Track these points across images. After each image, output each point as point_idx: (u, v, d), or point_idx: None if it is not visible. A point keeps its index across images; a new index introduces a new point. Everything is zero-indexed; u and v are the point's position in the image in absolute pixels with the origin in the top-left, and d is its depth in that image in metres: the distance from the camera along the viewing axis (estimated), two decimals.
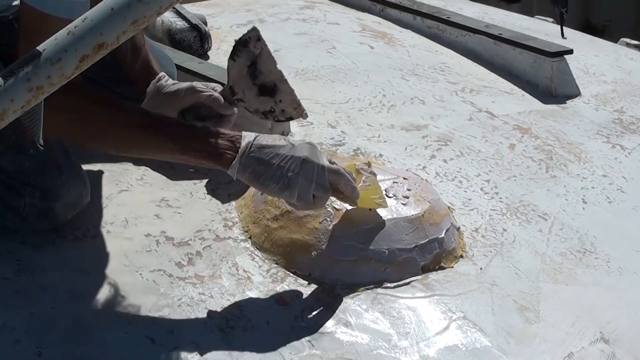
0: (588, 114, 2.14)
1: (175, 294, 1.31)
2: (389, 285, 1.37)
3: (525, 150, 1.89)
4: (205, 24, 2.35)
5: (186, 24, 2.27)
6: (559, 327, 1.33)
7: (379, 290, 1.36)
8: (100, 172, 1.62)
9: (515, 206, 1.66)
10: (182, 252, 1.41)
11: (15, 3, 1.47)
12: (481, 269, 1.45)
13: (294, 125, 1.86)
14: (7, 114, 0.93)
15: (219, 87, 1.64)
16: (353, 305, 1.32)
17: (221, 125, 1.63)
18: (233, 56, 1.60)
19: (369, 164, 1.45)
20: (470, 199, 1.66)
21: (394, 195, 1.48)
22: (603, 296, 1.43)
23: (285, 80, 1.61)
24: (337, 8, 2.82)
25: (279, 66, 1.61)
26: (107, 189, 1.58)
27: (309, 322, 1.28)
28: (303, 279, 1.37)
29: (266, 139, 1.32)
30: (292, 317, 1.29)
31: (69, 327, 1.23)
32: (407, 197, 1.48)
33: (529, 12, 3.89)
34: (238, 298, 1.32)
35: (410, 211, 1.45)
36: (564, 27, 2.56)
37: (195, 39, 2.26)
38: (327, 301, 1.33)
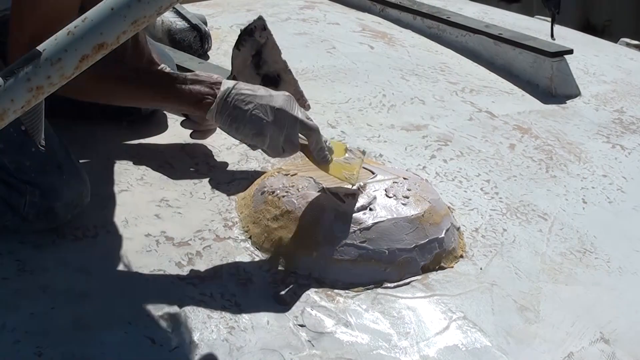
0: (588, 114, 2.14)
1: (175, 294, 1.31)
2: (389, 285, 1.37)
3: (525, 150, 1.89)
4: (205, 24, 2.35)
5: (186, 24, 2.27)
6: (559, 327, 1.33)
7: (379, 290, 1.36)
8: (100, 172, 1.62)
9: (515, 206, 1.66)
10: (182, 252, 1.41)
11: None
12: (481, 269, 1.45)
13: None
14: (7, 114, 0.93)
15: (222, 78, 1.64)
16: (353, 305, 1.32)
17: None
18: (238, 45, 1.60)
19: (363, 152, 1.49)
20: (470, 199, 1.66)
21: (394, 195, 1.48)
22: (603, 296, 1.43)
23: (290, 70, 1.60)
24: (337, 8, 2.82)
25: (283, 56, 1.60)
26: (107, 189, 1.58)
27: (309, 322, 1.28)
28: (303, 279, 1.37)
29: (245, 86, 1.39)
30: (292, 317, 1.29)
31: (69, 327, 1.23)
32: (407, 197, 1.48)
33: (529, 12, 3.89)
34: (238, 298, 1.32)
35: (410, 211, 1.45)
36: (554, 28, 2.55)
37: (195, 39, 2.26)
38: (327, 301, 1.33)
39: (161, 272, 1.36)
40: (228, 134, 1.45)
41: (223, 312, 1.28)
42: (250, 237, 1.46)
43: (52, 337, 1.20)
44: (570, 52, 2.26)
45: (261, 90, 1.40)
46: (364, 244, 1.39)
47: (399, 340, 1.26)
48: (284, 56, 1.63)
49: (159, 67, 1.67)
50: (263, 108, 1.38)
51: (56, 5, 1.34)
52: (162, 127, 1.82)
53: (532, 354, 1.27)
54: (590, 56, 2.54)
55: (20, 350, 1.18)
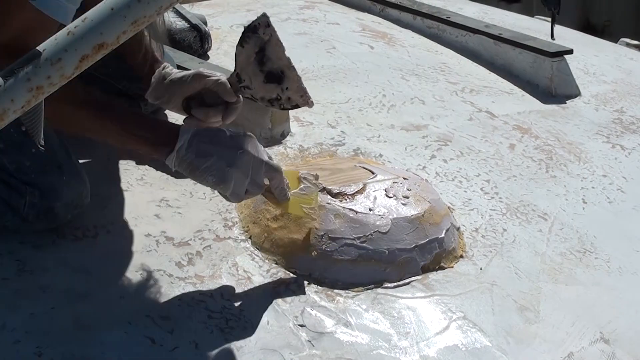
0: (588, 114, 2.14)
1: (175, 294, 1.31)
2: (389, 285, 1.37)
3: (525, 150, 1.89)
4: (205, 24, 2.35)
5: (186, 24, 2.27)
6: (559, 327, 1.33)
7: (379, 290, 1.36)
8: (100, 172, 1.62)
9: (515, 206, 1.66)
10: (182, 252, 1.41)
11: None
12: (481, 269, 1.45)
13: (294, 125, 1.86)
14: (7, 114, 0.93)
15: (225, 75, 1.64)
16: (353, 305, 1.32)
17: (227, 114, 1.62)
18: (242, 42, 1.60)
19: (316, 177, 1.44)
20: (470, 199, 1.66)
21: (394, 195, 1.48)
22: (603, 296, 1.43)
23: (293, 67, 1.60)
24: (337, 8, 2.82)
25: (287, 53, 1.60)
26: (107, 189, 1.58)
27: (309, 322, 1.28)
28: (303, 279, 1.37)
29: (206, 132, 1.32)
30: (292, 317, 1.29)
31: (69, 327, 1.23)
32: (407, 197, 1.48)
33: (529, 12, 3.89)
34: (238, 298, 1.32)
35: (410, 211, 1.45)
36: (554, 28, 2.55)
37: (195, 39, 2.26)
38: (327, 301, 1.33)
39: (161, 272, 1.36)
40: (189, 178, 1.36)
41: (223, 312, 1.28)
42: (250, 237, 1.46)
43: (52, 337, 1.20)
44: (570, 52, 2.26)
45: (221, 134, 1.32)
46: (364, 244, 1.39)
47: (399, 340, 1.26)
48: (287, 53, 1.63)
49: (162, 65, 1.67)
50: (225, 154, 1.29)
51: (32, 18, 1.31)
52: None
53: (532, 354, 1.27)
54: (590, 56, 2.55)
55: (20, 350, 1.18)
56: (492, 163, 1.81)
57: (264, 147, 1.76)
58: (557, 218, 1.64)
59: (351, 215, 1.41)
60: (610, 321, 1.37)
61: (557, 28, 2.72)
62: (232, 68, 1.63)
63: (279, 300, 1.32)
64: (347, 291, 1.35)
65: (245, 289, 1.34)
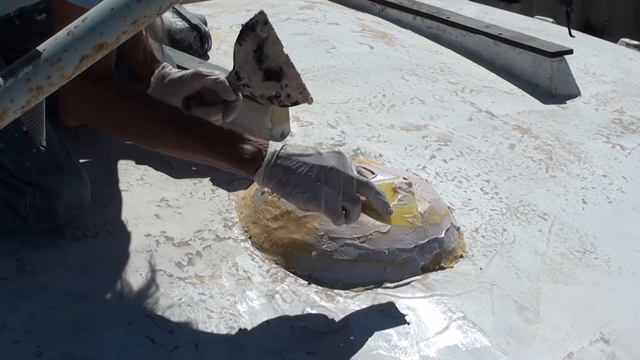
0: (588, 114, 2.14)
1: (175, 294, 1.31)
2: (389, 285, 1.37)
3: (525, 150, 1.89)
4: (205, 24, 2.35)
5: (186, 24, 2.27)
6: (559, 327, 1.33)
7: (379, 290, 1.36)
8: (101, 172, 1.62)
9: (515, 206, 1.66)
10: (182, 252, 1.41)
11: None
12: (481, 269, 1.45)
13: (294, 125, 1.86)
14: (7, 114, 0.93)
15: (224, 74, 1.64)
16: (353, 305, 1.32)
17: (226, 113, 1.63)
18: (240, 40, 1.60)
19: (409, 184, 1.44)
20: (470, 199, 1.66)
21: None
22: (603, 296, 1.43)
23: (292, 64, 1.60)
24: (337, 8, 2.82)
25: (285, 51, 1.60)
26: (107, 189, 1.58)
27: (309, 322, 1.28)
28: (303, 279, 1.37)
29: (293, 148, 1.29)
30: (292, 317, 1.29)
31: (69, 327, 1.23)
32: None
33: (529, 12, 3.89)
34: (238, 298, 1.32)
35: None
36: (569, 26, 2.55)
37: (195, 39, 2.26)
38: (327, 301, 1.33)
39: (161, 272, 1.36)
40: (279, 196, 1.32)
41: (223, 312, 1.28)
42: (250, 237, 1.46)
43: (52, 337, 1.20)
44: (570, 52, 2.26)
45: (310, 150, 1.29)
46: (364, 244, 1.39)
47: (399, 340, 1.26)
48: (285, 50, 1.63)
49: (162, 65, 1.67)
50: (314, 169, 1.26)
51: None
52: None
53: (532, 354, 1.27)
54: (590, 56, 2.54)
55: (20, 350, 1.18)
56: (492, 163, 1.81)
57: None
58: (557, 218, 1.64)
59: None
60: (610, 321, 1.37)
61: (557, 28, 2.73)
62: (232, 68, 1.63)
63: (279, 300, 1.32)
64: (347, 291, 1.35)
65: (245, 289, 1.34)
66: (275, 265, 1.40)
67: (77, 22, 0.94)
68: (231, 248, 1.43)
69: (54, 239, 1.42)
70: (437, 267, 1.43)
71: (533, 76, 2.28)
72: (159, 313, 1.27)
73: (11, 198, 1.37)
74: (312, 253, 1.39)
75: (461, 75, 2.30)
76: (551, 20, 2.98)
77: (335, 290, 1.35)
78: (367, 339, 1.26)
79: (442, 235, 1.45)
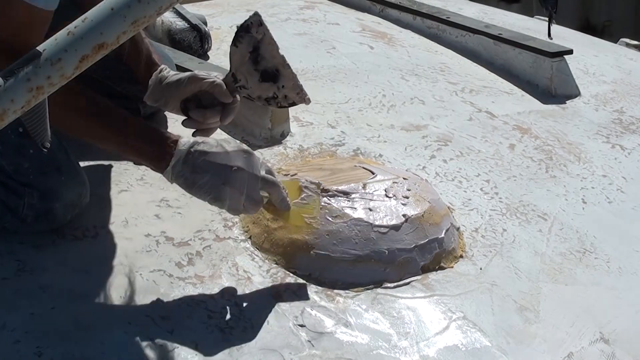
0: (588, 114, 2.14)
1: (175, 294, 1.31)
2: (388, 285, 1.37)
3: (525, 150, 1.89)
4: (205, 24, 2.35)
5: (186, 24, 2.27)
6: (559, 327, 1.33)
7: (379, 290, 1.36)
8: (100, 172, 1.62)
9: (515, 206, 1.66)
10: (182, 252, 1.41)
11: None
12: (481, 269, 1.45)
13: (294, 126, 1.86)
14: (7, 114, 0.93)
15: (221, 76, 1.64)
16: (353, 305, 1.32)
17: (224, 115, 1.63)
18: (235, 42, 1.60)
19: (318, 185, 1.45)
20: (470, 199, 1.66)
21: (394, 196, 1.48)
22: (603, 296, 1.43)
23: (288, 65, 1.60)
24: (337, 8, 2.82)
25: (281, 51, 1.60)
26: (107, 189, 1.58)
27: (309, 322, 1.28)
28: (303, 279, 1.37)
29: (202, 146, 1.32)
30: (292, 317, 1.29)
31: (69, 327, 1.23)
32: (407, 197, 1.48)
33: (529, 12, 3.89)
34: (238, 298, 1.32)
35: (410, 211, 1.45)
36: (551, 28, 2.55)
37: (195, 39, 2.26)
38: (327, 301, 1.33)
39: (161, 272, 1.36)
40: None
41: (223, 312, 1.28)
42: (250, 237, 1.46)
43: (52, 337, 1.20)
44: (570, 52, 2.26)
45: (218, 149, 1.31)
46: (363, 244, 1.39)
47: (398, 340, 1.26)
48: (281, 51, 1.63)
49: (159, 68, 1.67)
50: (220, 171, 1.30)
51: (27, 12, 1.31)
52: (163, 127, 1.82)
53: (532, 354, 1.27)
54: (590, 56, 2.54)
55: (20, 350, 1.18)
56: (492, 163, 1.81)
57: (264, 147, 1.77)
58: (557, 218, 1.64)
59: (351, 215, 1.41)
60: (610, 321, 1.37)
61: (557, 28, 2.72)
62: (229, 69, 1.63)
63: (279, 300, 1.32)
64: (347, 291, 1.35)
65: (245, 289, 1.34)
66: (275, 265, 1.40)
67: (77, 22, 0.94)
68: (231, 248, 1.43)
69: (54, 239, 1.42)
70: (437, 267, 1.43)
71: (533, 76, 2.28)
72: (159, 313, 1.27)
73: (9, 199, 1.37)
74: (312, 253, 1.39)
75: (461, 75, 2.30)
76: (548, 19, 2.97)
77: (335, 290, 1.35)
78: (367, 339, 1.26)
79: (442, 235, 1.45)
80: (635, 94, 2.30)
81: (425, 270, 1.41)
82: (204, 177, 1.30)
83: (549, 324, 1.34)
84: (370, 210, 1.43)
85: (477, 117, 2.04)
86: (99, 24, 0.94)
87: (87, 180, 1.45)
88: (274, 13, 2.67)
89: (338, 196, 1.45)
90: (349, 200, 1.44)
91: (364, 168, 1.58)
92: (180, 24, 2.27)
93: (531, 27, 2.73)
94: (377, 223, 1.41)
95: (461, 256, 1.47)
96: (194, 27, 2.27)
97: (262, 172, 1.33)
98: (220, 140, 1.35)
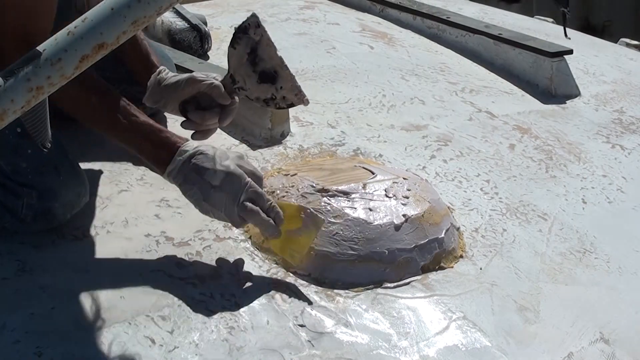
0: (588, 114, 2.14)
1: (175, 294, 1.31)
2: (388, 285, 1.37)
3: (525, 151, 1.89)
4: (205, 24, 2.35)
5: (186, 24, 2.27)
6: (559, 327, 1.33)
7: (379, 290, 1.36)
8: (100, 172, 1.62)
9: (515, 206, 1.66)
10: (182, 252, 1.41)
11: None
12: (481, 269, 1.45)
13: (294, 125, 1.86)
14: (7, 114, 0.93)
15: (220, 77, 1.64)
16: (353, 305, 1.32)
17: (223, 117, 1.63)
18: (233, 44, 1.60)
19: (322, 221, 1.39)
20: (470, 199, 1.66)
21: (394, 196, 1.48)
22: (603, 296, 1.43)
23: (286, 66, 1.60)
24: (337, 8, 2.82)
25: (279, 52, 1.60)
26: (107, 189, 1.58)
27: (309, 322, 1.28)
28: (303, 279, 1.37)
29: (200, 159, 1.36)
30: (292, 317, 1.29)
31: (69, 327, 1.23)
32: (407, 197, 1.48)
33: (529, 12, 3.89)
34: (238, 298, 1.32)
35: (410, 211, 1.45)
36: (565, 27, 2.56)
37: (195, 39, 2.26)
38: (327, 301, 1.33)
39: (161, 272, 1.36)
40: None
41: (223, 312, 1.28)
42: (250, 237, 1.46)
43: (52, 337, 1.20)
44: (570, 52, 2.26)
45: (209, 164, 1.35)
46: (363, 244, 1.39)
47: (399, 340, 1.26)
48: (280, 54, 1.63)
49: (158, 69, 1.67)
50: (203, 189, 1.35)
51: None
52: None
53: (532, 354, 1.27)
54: (590, 56, 2.55)
55: (20, 350, 1.18)
56: (492, 163, 1.81)
57: (264, 147, 1.77)
58: (557, 218, 1.64)
59: (351, 215, 1.41)
60: (610, 321, 1.37)
61: (557, 28, 2.73)
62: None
63: (279, 300, 1.32)
64: (347, 291, 1.35)
65: (245, 289, 1.34)
66: (275, 265, 1.40)
67: (77, 22, 0.94)
68: (231, 248, 1.43)
69: (54, 239, 1.42)
70: (437, 267, 1.43)
71: (533, 76, 2.28)
72: (159, 313, 1.27)
73: (8, 200, 1.37)
74: (312, 253, 1.39)
75: (461, 75, 2.30)
76: (551, 20, 2.98)
77: (335, 290, 1.35)
78: (367, 339, 1.26)
79: (442, 235, 1.45)
80: (635, 94, 2.30)
81: (425, 270, 1.41)
82: (192, 189, 1.35)
83: (549, 324, 1.34)
84: (370, 210, 1.43)
85: (477, 117, 2.04)
86: (99, 24, 0.94)
87: (87, 180, 1.45)
88: (273, 13, 2.67)
89: (338, 196, 1.45)
90: (349, 200, 1.44)
91: (364, 168, 1.58)
92: (180, 24, 2.27)
93: (531, 27, 2.74)
94: (377, 223, 1.41)
95: (461, 256, 1.47)
96: (194, 27, 2.27)
97: (242, 198, 1.34)
98: (219, 154, 1.37)
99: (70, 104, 1.36)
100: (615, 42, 2.82)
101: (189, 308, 1.28)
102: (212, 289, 1.33)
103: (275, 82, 1.59)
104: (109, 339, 1.21)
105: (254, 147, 1.78)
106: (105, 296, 1.29)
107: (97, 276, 1.34)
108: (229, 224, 1.48)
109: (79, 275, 1.34)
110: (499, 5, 4.14)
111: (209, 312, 1.28)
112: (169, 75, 1.66)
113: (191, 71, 1.87)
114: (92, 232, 1.45)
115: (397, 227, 1.42)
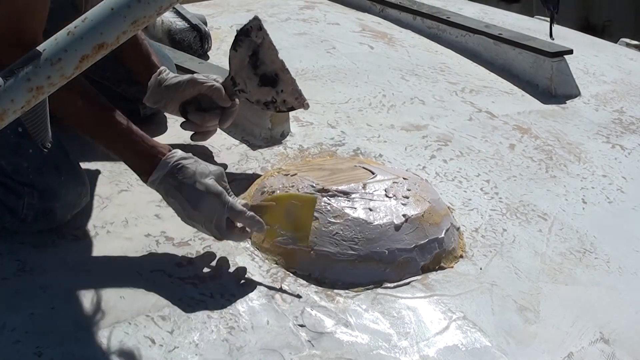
0: (588, 114, 2.14)
1: (175, 294, 1.31)
2: (388, 285, 1.37)
3: (525, 150, 1.89)
4: (205, 24, 2.35)
5: (186, 24, 2.27)
6: (559, 327, 1.33)
7: (379, 290, 1.36)
8: (100, 172, 1.62)
9: (515, 206, 1.66)
10: (182, 252, 1.41)
11: None
12: (481, 269, 1.45)
13: (294, 126, 1.86)
14: (7, 114, 0.93)
15: (220, 79, 1.64)
16: (353, 305, 1.32)
17: (223, 118, 1.63)
18: (235, 46, 1.60)
19: (308, 199, 1.41)
20: (470, 199, 1.66)
21: (394, 196, 1.48)
22: (603, 296, 1.43)
23: (287, 69, 1.60)
24: (337, 8, 2.82)
25: (280, 54, 1.60)
26: (107, 189, 1.58)
27: (309, 322, 1.28)
28: (303, 279, 1.37)
29: (182, 172, 1.35)
30: (292, 317, 1.29)
31: (69, 327, 1.23)
32: (407, 197, 1.48)
33: (529, 12, 3.89)
34: (238, 298, 1.32)
35: (410, 211, 1.45)
36: (552, 28, 2.56)
37: (195, 39, 2.26)
38: (327, 301, 1.33)
39: (161, 272, 1.36)
40: None
41: (223, 312, 1.28)
42: (250, 237, 1.46)
43: (52, 337, 1.20)
44: (570, 52, 2.26)
45: (191, 179, 1.35)
46: (363, 244, 1.39)
47: (399, 340, 1.26)
48: (281, 55, 1.63)
49: (158, 70, 1.67)
50: (184, 206, 1.35)
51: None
52: (162, 128, 1.82)
53: (532, 354, 1.27)
54: (590, 56, 2.54)
55: (20, 350, 1.18)
56: (492, 163, 1.81)
57: (264, 147, 1.77)
58: (557, 218, 1.64)
59: (351, 215, 1.41)
60: (610, 321, 1.37)
61: (557, 28, 2.72)
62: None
63: (279, 300, 1.32)
64: (347, 291, 1.35)
65: (245, 289, 1.34)
66: (275, 265, 1.40)
67: (77, 22, 0.94)
68: (231, 248, 1.43)
69: (54, 239, 1.42)
70: (437, 267, 1.43)
71: (533, 76, 2.27)
72: (159, 313, 1.27)
73: (8, 200, 1.37)
74: (312, 253, 1.39)
75: (461, 75, 2.30)
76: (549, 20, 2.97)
77: (335, 290, 1.35)
78: (367, 339, 1.26)
79: (442, 235, 1.45)
80: (635, 94, 2.30)
81: (425, 270, 1.41)
82: (173, 202, 1.36)
83: (549, 324, 1.34)
84: (370, 210, 1.43)
85: (477, 117, 2.04)
86: (99, 24, 0.94)
87: (87, 180, 1.45)
88: (274, 13, 2.67)
89: (338, 196, 1.45)
90: (349, 200, 1.44)
91: (364, 168, 1.58)
92: (180, 24, 2.27)
93: (531, 27, 2.73)
94: (377, 223, 1.41)
95: (461, 256, 1.47)
96: (194, 27, 2.27)
97: (220, 216, 1.34)
98: (200, 171, 1.36)
99: (56, 105, 1.34)
100: (615, 42, 2.82)
101: (189, 308, 1.28)
102: (212, 289, 1.33)
103: (276, 86, 1.59)
104: (109, 339, 1.21)
105: (254, 147, 1.78)
106: (105, 296, 1.29)
107: (97, 276, 1.34)
108: None
109: (79, 275, 1.34)
110: (499, 5, 4.14)
111: (209, 312, 1.28)
112: (170, 75, 1.66)
113: (191, 71, 1.88)
114: (92, 232, 1.45)
115: (397, 227, 1.42)
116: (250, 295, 1.33)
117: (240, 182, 1.61)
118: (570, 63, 2.27)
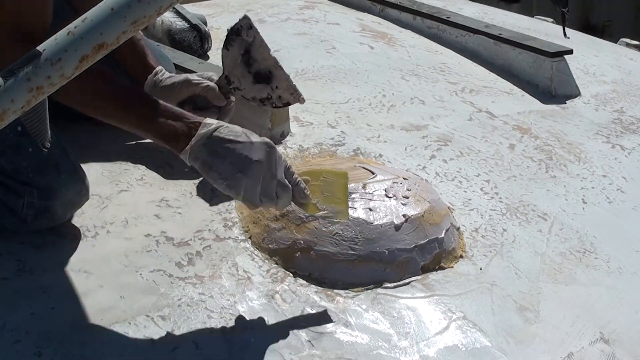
0: (588, 114, 2.14)
1: (175, 294, 1.31)
2: (388, 285, 1.37)
3: (525, 151, 1.89)
4: (205, 24, 2.35)
5: (186, 24, 2.27)
6: (559, 327, 1.33)
7: (379, 290, 1.36)
8: (100, 172, 1.62)
9: (515, 206, 1.66)
10: (182, 252, 1.41)
11: None
12: (481, 269, 1.45)
13: (294, 125, 1.86)
14: (7, 114, 0.93)
15: (215, 77, 1.65)
16: (353, 305, 1.32)
17: (221, 115, 1.63)
18: (226, 45, 1.61)
19: (339, 173, 1.37)
20: (470, 199, 1.66)
21: (394, 196, 1.48)
22: (603, 296, 1.43)
23: (280, 66, 1.61)
24: (337, 8, 2.82)
25: (276, 52, 1.61)
26: (107, 189, 1.58)
27: (309, 322, 1.28)
28: (303, 279, 1.37)
29: (226, 132, 1.27)
30: (292, 317, 1.29)
31: (69, 327, 1.23)
32: (407, 197, 1.48)
33: (529, 12, 3.89)
34: (238, 298, 1.32)
35: (410, 211, 1.45)
36: (565, 27, 2.56)
37: (195, 39, 2.26)
38: (327, 301, 1.33)
39: (161, 272, 1.36)
40: (203, 176, 1.32)
41: (223, 312, 1.28)
42: (250, 237, 1.46)
43: (52, 337, 1.20)
44: (570, 52, 2.26)
45: (242, 137, 1.27)
46: (364, 244, 1.39)
47: (399, 340, 1.26)
48: (281, 55, 1.63)
49: (154, 70, 1.68)
50: (240, 160, 1.25)
51: None
52: None
53: (532, 354, 1.27)
54: (590, 56, 2.55)
55: (20, 350, 1.18)
56: (492, 163, 1.81)
57: None
58: (557, 218, 1.64)
59: (351, 215, 1.41)
60: (610, 321, 1.37)
61: (557, 28, 2.73)
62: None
63: (279, 300, 1.32)
64: (347, 291, 1.35)
65: (245, 289, 1.34)
66: (275, 265, 1.40)
67: (77, 22, 0.94)
68: (231, 248, 1.43)
69: (54, 239, 1.42)
70: (437, 267, 1.43)
71: (533, 76, 2.28)
72: (159, 313, 1.27)
73: (8, 199, 1.37)
74: (312, 253, 1.39)
75: (461, 75, 2.30)
76: (551, 20, 2.98)
77: (335, 290, 1.35)
78: (367, 339, 1.26)
79: (442, 235, 1.45)
80: (635, 94, 2.30)
81: (425, 270, 1.41)
82: (222, 163, 1.25)
83: (549, 324, 1.34)
84: (370, 210, 1.43)
85: (477, 117, 2.04)
86: (99, 24, 0.94)
87: (87, 179, 1.45)
88: (274, 13, 2.67)
89: None
90: (349, 200, 1.44)
91: (364, 168, 1.58)
92: (180, 24, 2.27)
93: (531, 27, 2.74)
94: (377, 223, 1.41)
95: (461, 256, 1.47)
96: (194, 27, 2.27)
97: (280, 173, 1.28)
98: (245, 130, 1.30)
99: (79, 94, 1.28)
100: (615, 42, 2.82)
101: (189, 308, 1.28)
102: (212, 289, 1.33)
103: (270, 82, 1.60)
104: (109, 339, 1.21)
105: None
106: (105, 296, 1.29)
107: (97, 276, 1.34)
108: (229, 224, 1.49)
109: (79, 275, 1.34)
110: (499, 5, 4.14)
111: (209, 312, 1.28)
112: (165, 76, 1.66)
113: (191, 71, 1.88)
114: (92, 232, 1.45)
115: (397, 227, 1.42)
116: (250, 295, 1.33)
117: None
118: (570, 63, 2.27)
